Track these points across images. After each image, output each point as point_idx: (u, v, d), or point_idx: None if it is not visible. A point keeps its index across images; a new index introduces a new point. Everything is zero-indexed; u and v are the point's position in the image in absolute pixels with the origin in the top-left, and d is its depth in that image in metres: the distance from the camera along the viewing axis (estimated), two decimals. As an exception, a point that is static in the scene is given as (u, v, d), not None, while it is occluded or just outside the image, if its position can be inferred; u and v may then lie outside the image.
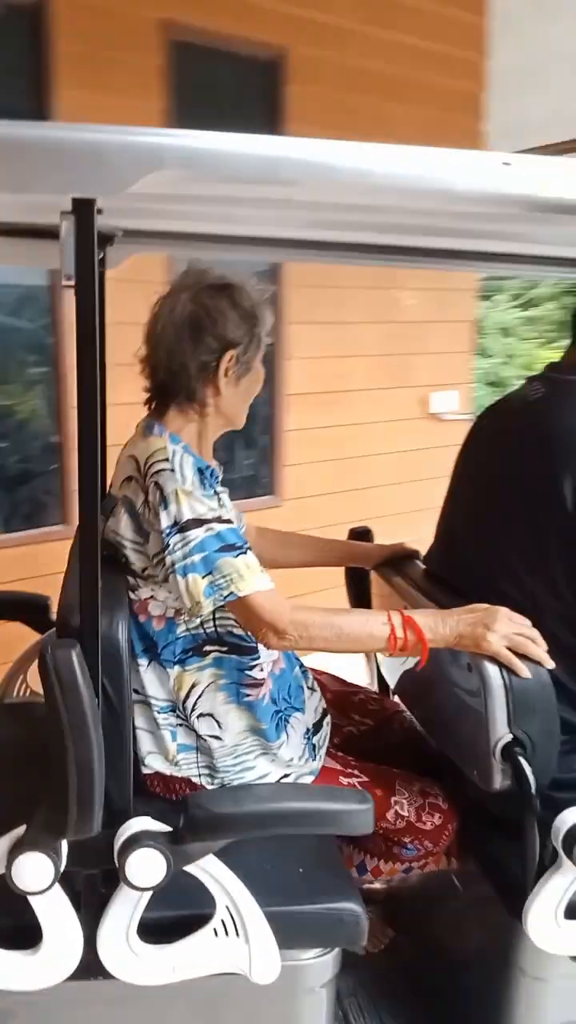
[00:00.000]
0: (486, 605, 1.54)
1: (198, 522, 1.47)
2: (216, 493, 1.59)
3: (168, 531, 1.47)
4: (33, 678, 2.15)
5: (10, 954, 1.33)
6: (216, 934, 1.37)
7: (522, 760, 1.46)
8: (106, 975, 1.36)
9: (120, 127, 1.16)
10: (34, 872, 1.26)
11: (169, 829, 1.30)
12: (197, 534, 1.47)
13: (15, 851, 1.26)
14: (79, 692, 1.21)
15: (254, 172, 1.20)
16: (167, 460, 1.52)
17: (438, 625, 1.51)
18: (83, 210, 1.17)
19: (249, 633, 1.56)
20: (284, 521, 3.19)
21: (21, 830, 1.28)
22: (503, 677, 1.48)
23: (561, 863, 1.45)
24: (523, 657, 1.49)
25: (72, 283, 1.19)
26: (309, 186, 1.24)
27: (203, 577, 1.46)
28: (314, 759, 1.68)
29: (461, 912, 1.82)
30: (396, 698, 2.07)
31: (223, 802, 1.35)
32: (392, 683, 2.04)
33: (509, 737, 1.48)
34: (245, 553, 1.49)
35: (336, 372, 4.17)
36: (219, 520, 1.49)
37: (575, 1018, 1.60)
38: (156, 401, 1.65)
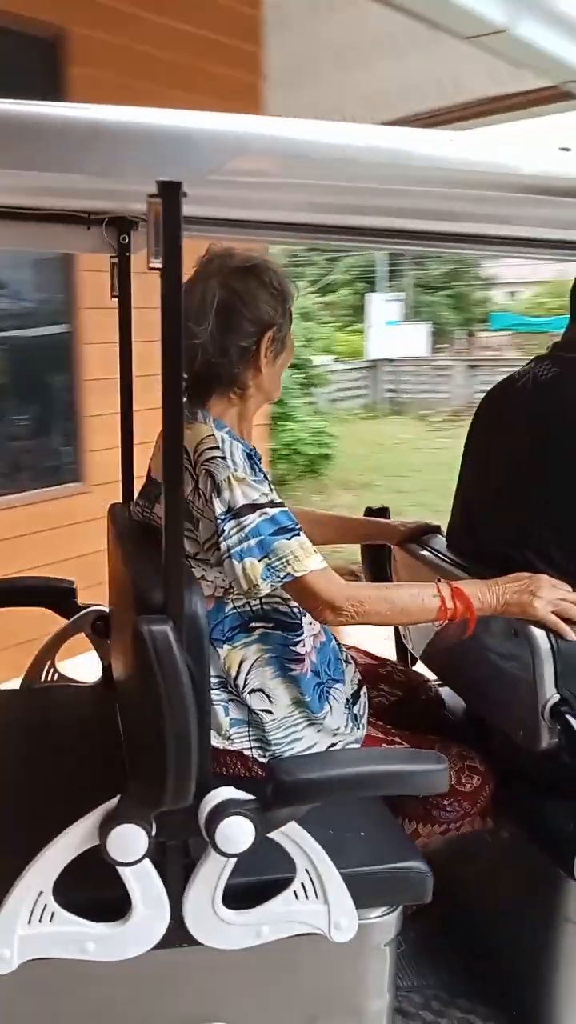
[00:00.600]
0: (528, 574, 1.60)
1: (252, 507, 1.50)
2: (265, 476, 1.62)
3: (223, 517, 1.50)
4: (61, 663, 2.16)
5: (99, 926, 1.35)
6: (296, 896, 1.40)
7: (570, 718, 1.53)
8: (192, 942, 1.38)
9: (204, 113, 1.18)
10: (129, 843, 1.28)
11: (251, 797, 1.33)
12: (252, 519, 1.50)
13: (109, 823, 1.28)
14: (176, 666, 1.24)
15: (330, 159, 1.23)
16: (217, 447, 1.54)
17: (485, 594, 1.57)
18: (170, 193, 1.18)
19: (302, 610, 1.60)
20: (93, 508, 3.21)
21: (113, 803, 1.30)
22: (550, 641, 1.55)
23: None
24: (568, 621, 1.56)
25: (159, 265, 1.20)
26: (379, 175, 1.28)
27: (260, 560, 1.50)
28: (358, 728, 1.73)
29: (498, 870, 1.89)
30: (421, 668, 2.13)
31: (310, 768, 1.39)
32: (417, 653, 2.11)
33: (557, 697, 1.55)
34: (299, 534, 1.53)
35: (138, 357, 4.22)
36: (271, 504, 1.53)
37: None
38: (194, 388, 1.66)
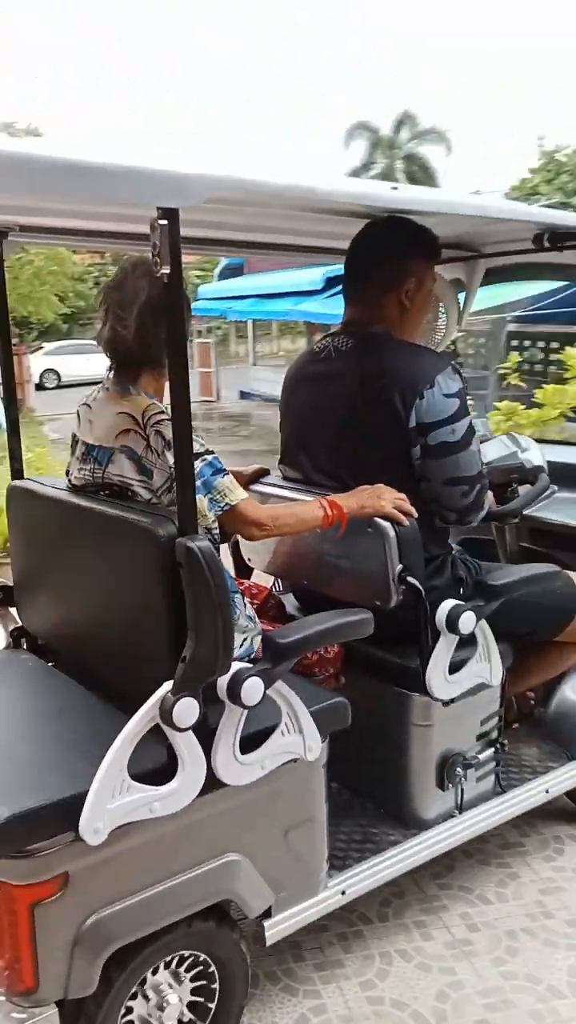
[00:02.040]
0: (371, 485, 2.20)
1: (195, 456, 1.91)
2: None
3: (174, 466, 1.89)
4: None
5: (160, 788, 1.70)
6: (283, 734, 1.88)
7: (410, 578, 2.18)
8: (219, 786, 1.79)
9: (193, 155, 1.58)
10: (187, 712, 1.66)
11: (259, 666, 1.78)
12: (196, 465, 1.90)
13: (170, 701, 1.64)
14: (220, 566, 1.64)
15: (283, 197, 1.70)
16: (162, 412, 1.91)
17: (349, 501, 2.14)
18: (172, 216, 1.56)
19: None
20: None
21: (167, 687, 1.66)
22: (394, 528, 2.17)
23: (443, 636, 2.20)
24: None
25: (168, 272, 1.57)
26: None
27: (204, 496, 1.91)
28: (254, 624, 2.20)
29: (366, 710, 2.43)
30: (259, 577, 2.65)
31: (291, 632, 1.85)
32: (260, 567, 2.62)
33: (400, 567, 2.18)
34: (227, 474, 1.96)
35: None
36: (207, 452, 1.94)
37: (450, 745, 2.38)
38: (127, 369, 1.99)
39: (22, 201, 1.87)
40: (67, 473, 2.12)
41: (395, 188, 1.95)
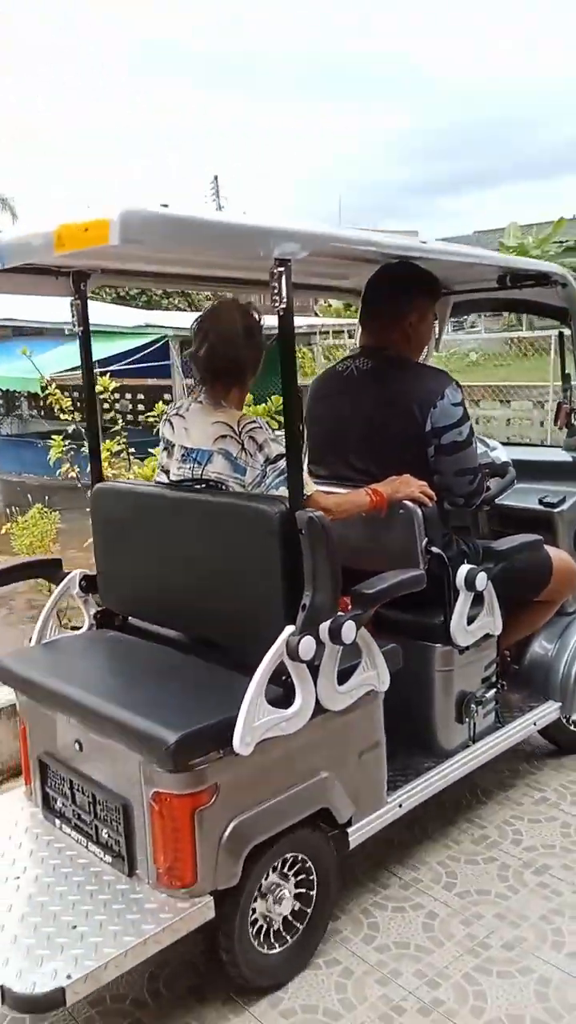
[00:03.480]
0: (400, 476, 2.67)
1: (279, 456, 2.34)
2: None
3: (264, 463, 2.32)
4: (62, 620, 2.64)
5: (285, 711, 2.10)
6: (363, 670, 2.32)
7: (433, 548, 2.66)
8: (322, 712, 2.21)
9: (297, 222, 2.03)
10: (308, 648, 2.08)
11: (353, 611, 2.21)
12: (281, 463, 2.33)
13: (295, 639, 2.05)
14: (331, 530, 2.07)
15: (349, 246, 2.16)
16: (253, 422, 2.34)
17: (386, 488, 2.61)
18: (286, 265, 2.00)
19: None
20: None
21: (290, 629, 2.07)
22: (420, 509, 2.65)
23: (462, 593, 2.69)
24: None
25: (284, 306, 2.01)
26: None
27: (284, 487, 2.34)
28: None
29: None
30: None
31: (375, 585, 2.28)
32: None
33: (426, 539, 2.66)
34: (304, 470, 2.39)
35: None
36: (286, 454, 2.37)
37: (464, 687, 2.86)
38: (214, 384, 2.40)
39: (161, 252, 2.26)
40: (164, 471, 2.50)
41: (424, 242, 2.46)
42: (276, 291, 2.01)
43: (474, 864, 2.77)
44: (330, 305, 18.05)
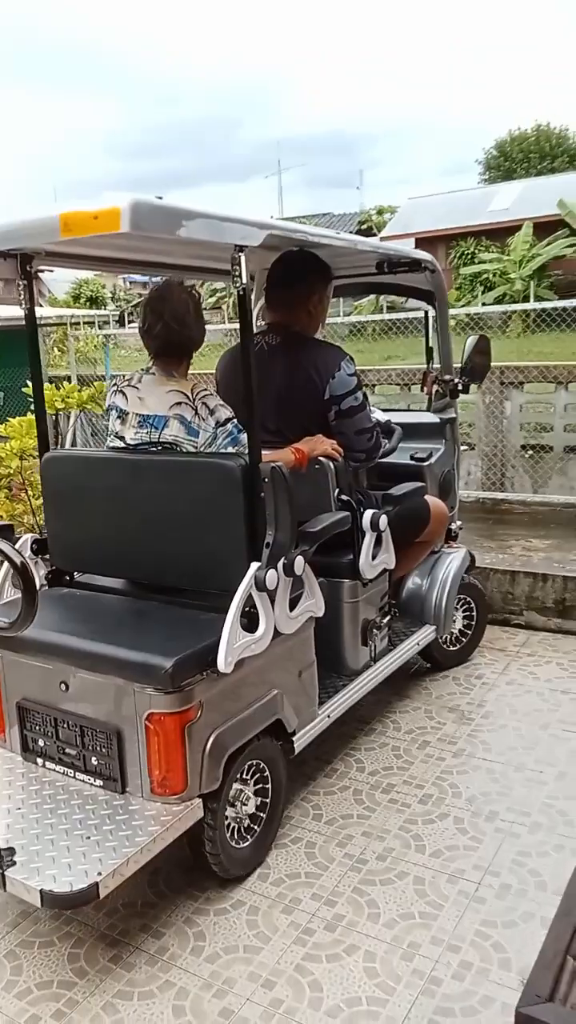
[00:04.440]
0: (314, 436, 3.03)
1: (227, 420, 2.62)
2: None
3: (215, 426, 2.59)
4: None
5: (253, 635, 2.42)
6: (307, 598, 2.68)
7: (343, 496, 3.06)
8: (279, 635, 2.55)
9: (257, 217, 2.32)
10: (272, 579, 2.41)
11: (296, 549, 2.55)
12: (229, 427, 2.62)
13: (262, 572, 2.37)
14: (289, 479, 2.40)
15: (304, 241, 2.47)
16: (205, 389, 2.60)
17: (305, 447, 2.96)
18: (242, 251, 2.29)
19: None
20: None
21: (256, 565, 2.39)
22: (331, 464, 3.02)
23: (367, 534, 3.10)
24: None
25: (248, 284, 2.30)
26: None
27: (233, 447, 2.64)
28: None
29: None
30: None
31: (317, 524, 2.63)
32: None
33: (338, 490, 3.05)
34: (244, 431, 2.69)
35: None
36: (233, 417, 2.66)
37: (367, 615, 3.28)
38: (170, 358, 2.64)
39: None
40: (119, 437, 2.70)
41: (338, 233, 2.81)
42: (236, 273, 2.29)
43: (332, 794, 3.13)
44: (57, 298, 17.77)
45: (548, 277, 23.97)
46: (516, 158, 40.12)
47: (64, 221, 1.95)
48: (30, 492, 3.96)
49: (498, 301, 21.72)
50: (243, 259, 2.28)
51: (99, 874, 2.08)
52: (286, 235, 2.52)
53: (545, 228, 24.30)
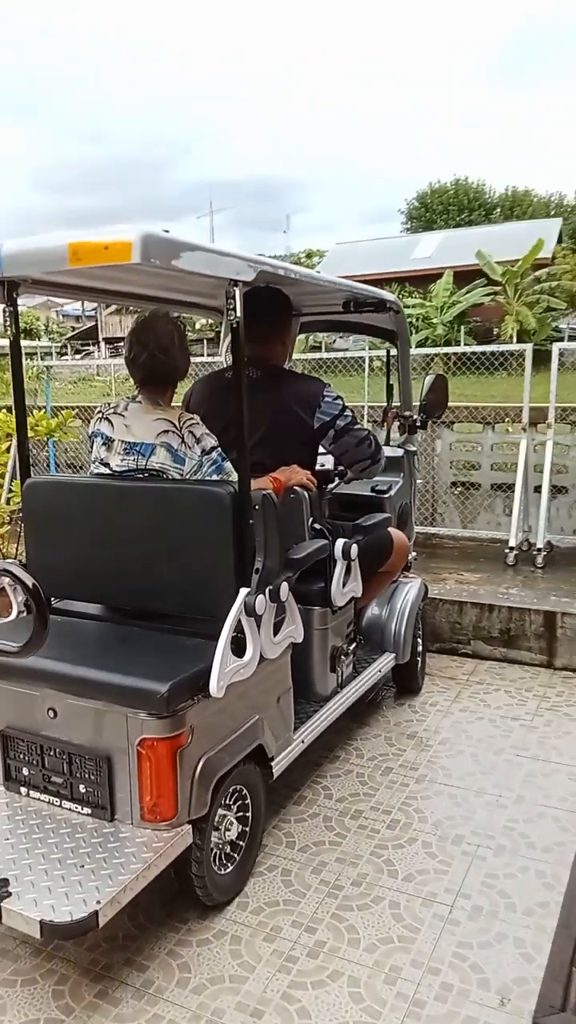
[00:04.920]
0: (290, 466, 3.09)
1: (212, 448, 2.66)
2: None
3: (201, 455, 2.63)
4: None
5: (241, 660, 2.44)
6: (288, 623, 2.71)
7: (317, 525, 3.12)
8: (264, 660, 2.57)
9: (252, 255, 2.39)
10: (261, 604, 2.44)
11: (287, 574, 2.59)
12: (214, 455, 2.66)
13: (251, 598, 2.40)
14: (278, 506, 2.44)
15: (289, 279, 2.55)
16: (192, 418, 2.64)
17: (281, 476, 3.02)
18: (238, 285, 2.35)
19: None
20: None
21: (245, 591, 2.41)
22: (306, 493, 3.09)
23: (338, 562, 3.17)
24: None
25: (240, 319, 2.36)
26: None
27: (218, 475, 2.67)
28: None
29: None
30: None
31: (300, 551, 2.67)
32: None
33: (311, 519, 3.11)
34: (227, 461, 2.72)
35: None
36: (217, 446, 2.69)
37: (335, 642, 3.33)
38: (157, 388, 2.66)
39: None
40: (103, 464, 2.70)
41: (319, 272, 2.90)
42: (231, 306, 2.34)
43: (303, 821, 3.15)
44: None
45: (467, 323, 24.93)
46: (436, 209, 41.77)
47: (73, 251, 1.97)
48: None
49: (420, 345, 22.41)
50: (238, 293, 2.33)
51: (98, 902, 2.04)
52: (275, 272, 2.59)
53: (464, 276, 25.34)
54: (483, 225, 35.34)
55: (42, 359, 10.75)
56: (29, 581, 1.91)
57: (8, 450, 5.35)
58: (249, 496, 2.44)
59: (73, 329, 40.63)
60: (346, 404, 3.24)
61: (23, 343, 2.74)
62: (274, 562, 2.48)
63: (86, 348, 35.12)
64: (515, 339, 21.84)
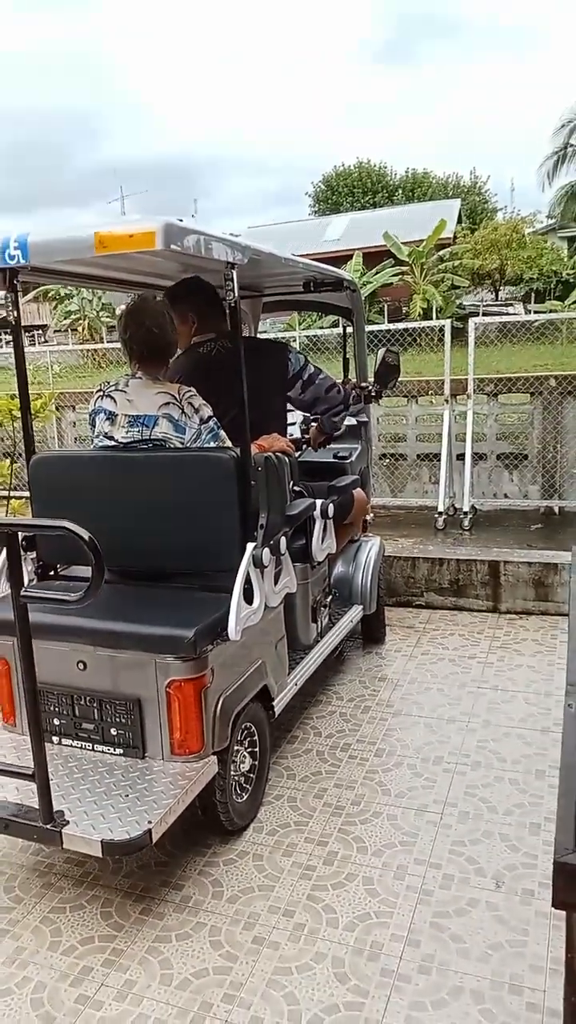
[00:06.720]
0: (271, 435, 3.31)
1: (209, 417, 2.86)
2: None
3: (199, 423, 2.82)
4: None
5: (251, 606, 2.67)
6: (284, 575, 2.95)
7: (296, 487, 3.36)
8: (269, 607, 2.80)
9: (242, 238, 2.59)
10: (267, 556, 2.66)
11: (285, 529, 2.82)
12: (211, 424, 2.86)
13: (258, 551, 2.63)
14: (279, 469, 2.66)
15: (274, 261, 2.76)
16: (189, 390, 2.82)
17: (264, 442, 3.23)
18: (232, 267, 2.55)
19: None
20: None
21: (251, 547, 2.63)
22: (287, 458, 3.31)
23: (317, 520, 3.41)
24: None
25: (234, 298, 2.56)
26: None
27: (214, 442, 2.88)
28: None
29: None
30: None
31: (295, 508, 2.90)
32: None
33: (291, 481, 3.34)
34: (222, 428, 2.93)
35: None
36: (212, 415, 2.89)
37: (315, 595, 3.58)
38: (155, 363, 2.83)
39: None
40: (108, 437, 2.86)
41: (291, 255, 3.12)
42: (229, 287, 2.54)
43: (299, 756, 3.45)
44: None
45: (379, 303, 25.43)
46: (341, 192, 42.13)
47: (100, 239, 2.14)
48: None
49: (334, 325, 22.77)
50: (235, 275, 2.53)
51: (150, 822, 2.25)
52: (260, 256, 2.79)
53: (373, 257, 25.80)
54: (387, 207, 35.89)
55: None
56: (86, 535, 2.08)
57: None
58: (250, 458, 2.66)
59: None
60: (307, 358, 3.49)
61: None
62: (277, 517, 2.70)
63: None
64: (422, 316, 22.46)
